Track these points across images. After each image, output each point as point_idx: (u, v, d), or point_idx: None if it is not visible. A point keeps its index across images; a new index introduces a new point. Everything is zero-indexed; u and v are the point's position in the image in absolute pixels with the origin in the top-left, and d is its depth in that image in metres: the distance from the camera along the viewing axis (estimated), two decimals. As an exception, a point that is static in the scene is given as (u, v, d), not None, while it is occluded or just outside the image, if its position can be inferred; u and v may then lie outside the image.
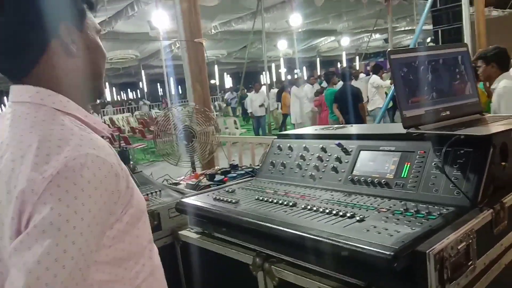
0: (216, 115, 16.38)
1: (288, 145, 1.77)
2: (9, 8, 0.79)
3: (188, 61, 4.05)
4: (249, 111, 12.34)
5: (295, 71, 17.80)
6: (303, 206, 1.31)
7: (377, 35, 23.25)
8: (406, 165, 1.36)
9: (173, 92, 14.09)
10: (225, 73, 29.52)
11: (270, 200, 1.42)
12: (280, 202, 1.39)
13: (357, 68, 20.68)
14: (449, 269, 0.95)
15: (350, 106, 6.66)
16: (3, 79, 0.84)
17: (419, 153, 1.35)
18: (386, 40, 22.24)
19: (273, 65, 24.36)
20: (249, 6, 13.96)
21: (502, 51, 3.54)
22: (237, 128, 12.05)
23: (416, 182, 1.30)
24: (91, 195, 0.72)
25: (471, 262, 1.03)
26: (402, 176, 1.35)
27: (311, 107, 9.98)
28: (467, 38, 6.45)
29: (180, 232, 1.70)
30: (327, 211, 1.24)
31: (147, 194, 1.94)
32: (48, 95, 0.83)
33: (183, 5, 4.01)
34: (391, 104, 8.02)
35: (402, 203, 1.24)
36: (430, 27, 9.93)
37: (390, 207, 1.23)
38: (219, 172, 2.32)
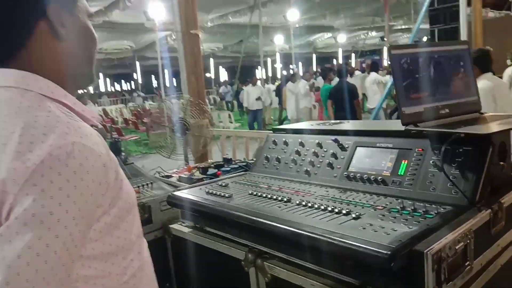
0: (211, 108, 16.30)
1: (284, 139, 1.74)
2: None
3: (184, 53, 4.00)
4: (244, 105, 12.16)
5: (291, 66, 17.76)
6: (297, 202, 1.28)
7: (374, 33, 23.27)
8: (403, 162, 1.34)
9: (167, 84, 13.99)
10: (220, 67, 29.40)
11: (264, 195, 1.39)
12: (274, 197, 1.36)
13: (353, 65, 20.68)
14: (446, 270, 0.93)
15: (345, 102, 6.65)
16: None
17: (417, 150, 1.33)
18: (382, 38, 22.26)
19: (269, 60, 24.28)
20: (246, -1, 13.89)
21: (484, 53, 3.68)
22: (231, 122, 12.00)
23: (413, 180, 1.28)
24: (77, 186, 0.69)
25: (468, 263, 1.01)
26: (399, 173, 1.32)
27: (306, 102, 9.95)
28: (463, 38, 6.45)
29: (171, 226, 1.67)
30: (322, 207, 1.21)
31: (138, 186, 1.91)
32: (34, 80, 0.79)
33: (180, -4, 3.96)
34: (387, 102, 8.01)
35: (399, 201, 1.21)
36: (427, 26, 9.93)
37: (387, 204, 1.20)
38: (212, 165, 2.28)
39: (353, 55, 27.11)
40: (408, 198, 1.23)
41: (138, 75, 24.77)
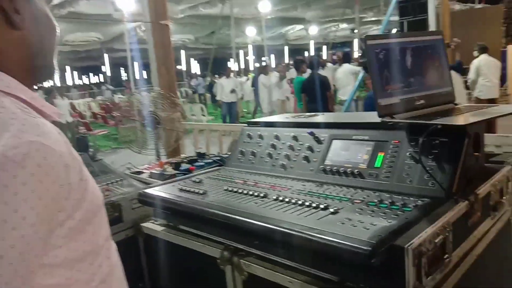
0: (183, 101, 16.06)
1: (259, 133, 1.70)
2: None
3: (154, 44, 3.87)
4: (217, 98, 11.88)
5: (263, 58, 17.71)
6: (274, 198, 1.25)
7: (345, 25, 23.48)
8: (379, 154, 1.32)
9: (137, 76, 13.68)
10: (192, 59, 29.01)
11: (240, 190, 1.35)
12: (250, 193, 1.32)
13: (324, 57, 20.83)
14: (426, 264, 0.92)
15: (318, 94, 6.66)
16: None
17: (393, 142, 1.32)
18: (353, 30, 22.49)
19: (241, 52, 24.14)
20: (217, -10, 13.70)
21: None
22: (204, 115, 11.85)
23: (390, 173, 1.26)
24: (35, 190, 0.62)
25: (447, 256, 1.00)
26: (376, 166, 1.31)
27: (279, 95, 9.93)
28: (432, 30, 6.57)
29: (143, 225, 1.60)
30: (300, 202, 1.18)
31: (107, 184, 1.83)
32: None
33: (148, -15, 3.82)
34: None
35: (376, 194, 1.20)
36: (396, 18, 10.09)
37: (364, 198, 1.19)
38: (185, 160, 2.22)
39: (324, 47, 27.29)
40: (385, 191, 1.21)
41: (106, 68, 24.13)
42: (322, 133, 1.51)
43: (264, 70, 10.68)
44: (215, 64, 17.73)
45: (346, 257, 0.91)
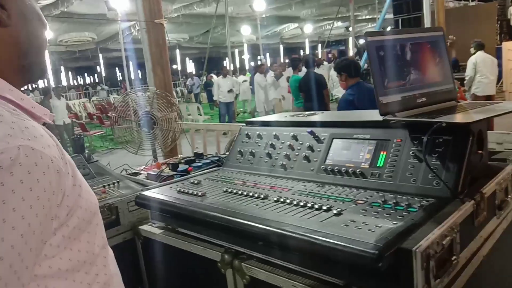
0: (178, 101, 15.98)
1: (257, 133, 1.67)
2: None
3: (148, 44, 3.82)
4: (215, 98, 11.58)
5: (259, 57, 17.67)
6: (275, 199, 1.22)
7: (339, 23, 23.47)
8: (382, 154, 1.30)
9: (132, 76, 13.60)
10: (187, 58, 28.92)
11: (240, 192, 1.32)
12: (250, 194, 1.29)
13: (320, 55, 20.81)
14: (434, 267, 0.89)
15: (314, 93, 6.63)
16: None
17: (396, 141, 1.29)
18: (347, 28, 22.49)
19: (236, 51, 24.08)
20: (211, -11, 13.63)
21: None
22: (200, 115, 11.80)
23: (393, 172, 1.24)
24: (25, 198, 0.59)
25: (454, 257, 0.97)
26: (378, 165, 1.28)
27: (275, 94, 9.88)
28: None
29: (141, 227, 1.57)
30: (302, 204, 1.15)
31: (104, 186, 1.79)
32: None
33: (143, -16, 3.78)
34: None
35: (380, 194, 1.17)
36: (391, 16, 10.09)
37: (367, 198, 1.16)
38: (182, 161, 2.19)
39: (319, 45, 27.28)
40: (388, 191, 1.19)
41: (101, 68, 23.98)
42: (322, 132, 1.48)
43: (260, 69, 10.61)
44: (210, 64, 17.67)
45: (352, 261, 0.88)
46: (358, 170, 1.31)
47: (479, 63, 6.98)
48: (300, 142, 1.52)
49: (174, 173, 2.01)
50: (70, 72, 29.71)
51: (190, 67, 29.24)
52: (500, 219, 1.26)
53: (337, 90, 8.54)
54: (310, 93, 6.70)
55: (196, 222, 1.29)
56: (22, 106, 0.71)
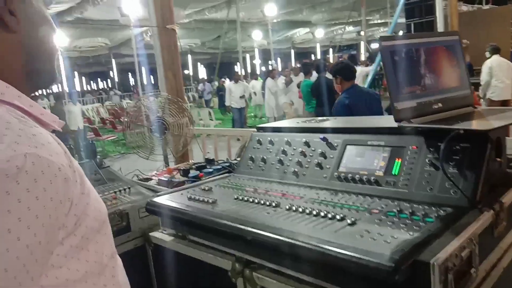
0: (190, 106, 16.05)
1: (269, 138, 1.64)
2: None
3: (160, 49, 3.84)
4: (226, 103, 11.38)
5: (270, 62, 17.68)
6: (287, 207, 1.19)
7: (351, 28, 23.40)
8: (397, 161, 1.27)
9: (145, 81, 13.71)
10: (199, 63, 29.09)
11: (251, 199, 1.30)
12: (262, 202, 1.27)
13: (331, 60, 20.74)
14: (453, 280, 0.86)
15: (325, 98, 6.60)
16: None
17: (411, 148, 1.26)
18: (359, 33, 22.41)
19: (247, 55, 24.14)
20: (223, -6, 13.70)
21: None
22: (211, 120, 11.83)
23: (408, 180, 1.21)
24: (30, 208, 0.57)
25: (473, 270, 0.94)
26: (393, 173, 1.25)
27: (285, 99, 9.84)
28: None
29: (151, 234, 1.55)
30: (314, 212, 1.13)
31: (115, 192, 1.79)
32: None
33: (155, -10, 3.80)
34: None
35: (395, 203, 1.14)
36: (403, 20, 10.00)
37: (382, 207, 1.13)
38: (193, 167, 2.18)
39: (330, 50, 27.22)
40: (404, 200, 1.15)
41: (114, 73, 24.25)
42: (335, 139, 1.46)
43: (271, 74, 10.59)
44: (222, 68, 17.73)
45: (367, 273, 0.85)
46: (372, 177, 1.28)
47: (494, 67, 6.87)
48: (313, 149, 1.49)
49: (185, 179, 2.00)
50: (83, 77, 30.11)
51: (202, 72, 29.40)
52: (520, 229, 1.22)
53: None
54: (322, 98, 6.67)
55: (206, 230, 1.27)
56: (30, 113, 0.70)
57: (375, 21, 22.48)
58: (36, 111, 0.71)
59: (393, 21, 8.57)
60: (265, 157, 1.61)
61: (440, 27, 7.03)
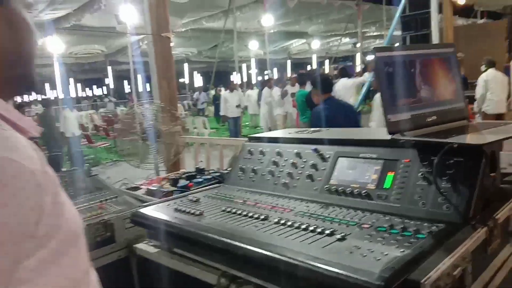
0: (185, 114, 16.00)
1: (260, 149, 1.61)
2: None
3: (155, 57, 3.83)
4: (221, 113, 11.27)
5: (266, 72, 17.73)
6: (275, 221, 1.16)
7: (347, 39, 23.58)
8: (389, 174, 1.24)
9: (140, 89, 13.67)
10: (195, 72, 29.13)
11: (239, 212, 1.26)
12: (250, 214, 1.23)
13: (327, 71, 20.84)
14: (445, 300, 0.82)
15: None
16: None
17: (404, 161, 1.23)
18: (355, 44, 22.57)
19: (243, 65, 24.21)
20: (220, 4, 13.77)
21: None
22: (206, 128, 11.78)
23: (400, 194, 1.17)
24: None
25: (466, 289, 0.90)
26: (385, 187, 1.22)
27: (280, 110, 9.83)
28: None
29: (136, 246, 1.50)
30: (303, 226, 1.09)
31: (101, 201, 1.74)
32: None
33: (151, -2, 3.79)
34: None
35: (387, 218, 1.11)
36: (399, 32, 10.08)
37: (373, 222, 1.09)
38: (183, 176, 2.14)
39: (326, 61, 27.37)
40: (395, 215, 1.12)
41: (110, 80, 24.21)
42: (327, 150, 1.43)
43: (268, 84, 10.57)
44: (218, 78, 17.73)
45: (356, 292, 0.82)
46: (363, 191, 1.24)
47: (490, 81, 6.90)
48: (304, 160, 1.46)
49: (174, 188, 1.96)
50: (79, 84, 30.03)
51: (198, 80, 29.42)
52: (514, 246, 1.18)
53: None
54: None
55: (192, 243, 1.23)
56: (7, 118, 0.66)
57: (371, 33, 22.66)
58: (13, 116, 0.67)
59: (389, 33, 8.63)
60: (255, 168, 1.57)
61: (435, 40, 7.07)
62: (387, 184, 1.22)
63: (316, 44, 23.32)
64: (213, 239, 1.12)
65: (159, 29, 3.87)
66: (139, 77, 13.48)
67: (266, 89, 10.31)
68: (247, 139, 1.78)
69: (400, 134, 1.20)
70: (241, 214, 1.25)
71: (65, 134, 8.62)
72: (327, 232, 1.03)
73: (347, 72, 9.39)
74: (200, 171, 2.20)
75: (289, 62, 27.49)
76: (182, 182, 2.02)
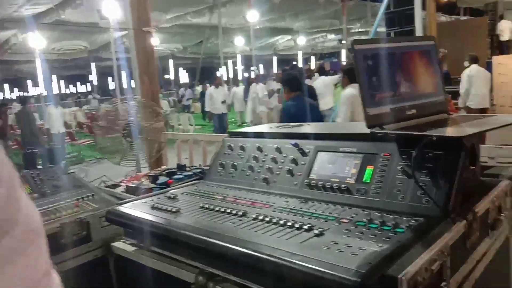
0: (171, 110, 15.85)
1: (240, 144, 1.58)
2: None
3: (136, 52, 3.76)
4: (206, 109, 11.13)
5: (252, 68, 17.68)
6: (253, 217, 1.13)
7: (332, 36, 23.67)
8: (368, 168, 1.22)
9: (124, 86, 13.49)
10: (180, 68, 28.91)
11: (217, 208, 1.23)
12: (228, 211, 1.20)
13: (312, 67, 20.87)
14: (422, 295, 0.81)
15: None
16: None
17: (383, 155, 1.21)
18: (340, 41, 22.66)
19: (229, 61, 24.11)
20: (205, -1, 13.66)
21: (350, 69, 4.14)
22: (191, 125, 11.69)
23: (380, 188, 1.16)
24: None
25: (444, 283, 0.89)
26: (364, 181, 1.20)
27: (264, 108, 9.81)
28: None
29: (113, 244, 1.46)
30: (281, 222, 1.07)
31: (77, 199, 1.69)
32: None
33: (132, -8, 3.72)
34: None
35: (366, 212, 1.09)
36: (383, 29, 10.14)
37: (352, 217, 1.07)
38: (164, 173, 2.09)
39: (312, 57, 27.44)
40: (375, 209, 1.10)
41: (93, 77, 23.84)
42: (307, 145, 1.40)
43: (255, 79, 10.52)
44: (204, 74, 17.61)
45: (332, 289, 0.79)
46: (343, 185, 1.22)
47: (474, 76, 6.99)
48: (284, 155, 1.44)
49: (153, 185, 1.92)
50: (62, 81, 29.53)
51: (184, 77, 29.20)
52: (492, 239, 1.18)
53: (323, 102, 8.46)
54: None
55: (168, 241, 1.20)
56: None
57: (356, 30, 22.78)
58: None
59: (373, 29, 8.66)
60: (235, 164, 1.54)
61: (418, 36, 7.13)
62: (367, 178, 1.20)
63: (301, 40, 23.36)
64: (189, 236, 1.09)
65: (141, 24, 3.80)
66: (123, 73, 13.30)
67: (253, 85, 10.27)
68: (227, 134, 1.75)
69: (379, 128, 1.18)
70: (218, 211, 1.22)
71: (50, 131, 8.44)
72: (305, 227, 1.01)
73: (324, 70, 9.48)
74: (181, 167, 2.16)
75: (275, 59, 27.48)
76: (162, 179, 1.98)
